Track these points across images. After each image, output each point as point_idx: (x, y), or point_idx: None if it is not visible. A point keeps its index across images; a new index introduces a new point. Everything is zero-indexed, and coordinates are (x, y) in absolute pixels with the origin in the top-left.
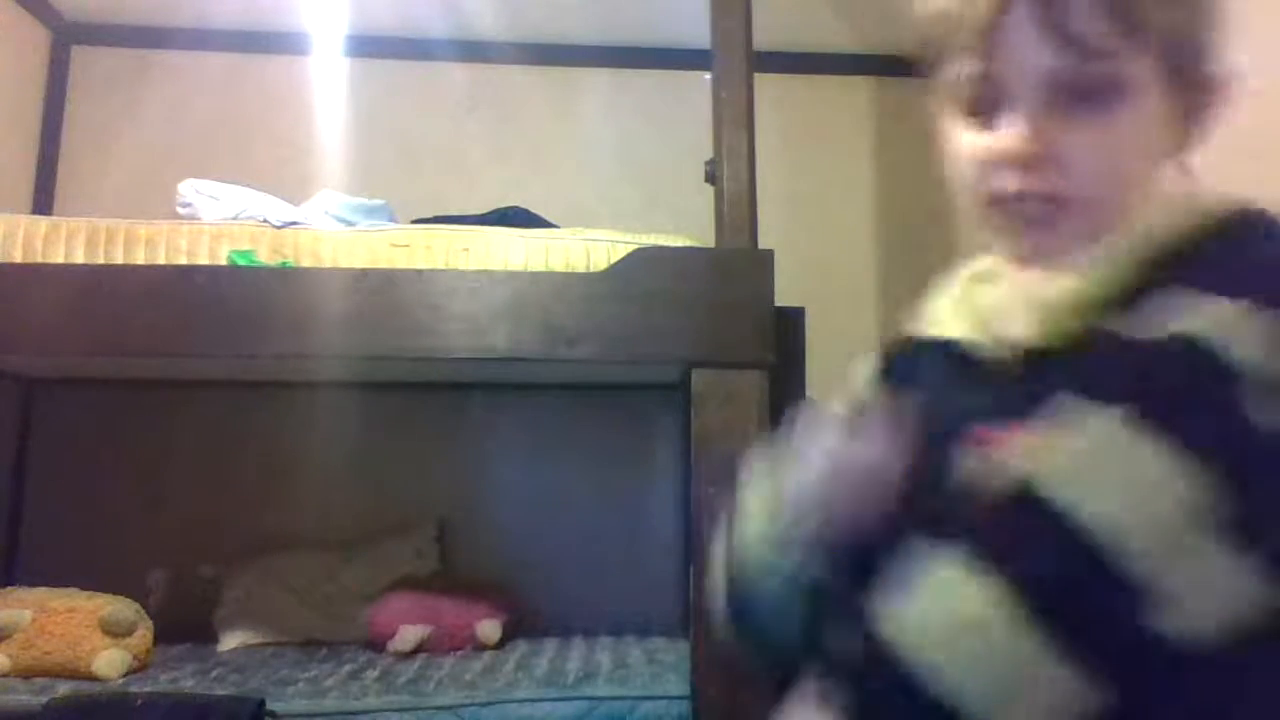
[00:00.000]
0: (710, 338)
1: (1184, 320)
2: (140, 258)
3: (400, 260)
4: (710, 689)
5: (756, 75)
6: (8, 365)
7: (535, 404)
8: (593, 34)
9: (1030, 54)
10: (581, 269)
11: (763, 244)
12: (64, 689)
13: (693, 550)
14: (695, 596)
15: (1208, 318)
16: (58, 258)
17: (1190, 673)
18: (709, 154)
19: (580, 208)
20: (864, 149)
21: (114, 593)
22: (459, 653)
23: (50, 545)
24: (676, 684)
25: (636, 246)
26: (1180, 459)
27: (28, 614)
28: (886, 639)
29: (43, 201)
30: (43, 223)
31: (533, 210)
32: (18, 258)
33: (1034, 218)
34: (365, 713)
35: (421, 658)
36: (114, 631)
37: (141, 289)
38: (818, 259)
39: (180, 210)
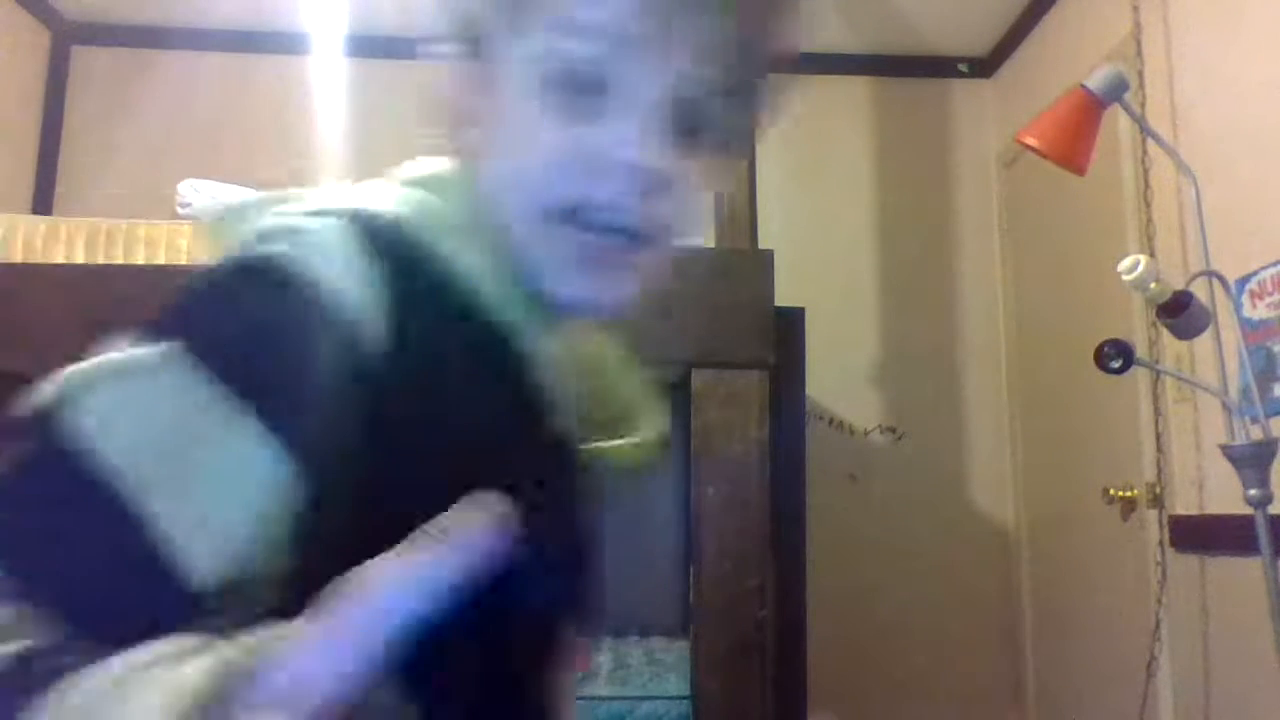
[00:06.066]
0: (710, 338)
1: None
2: (140, 258)
3: None
4: (710, 689)
5: None
6: (8, 365)
7: None
8: None
9: (681, 59)
10: None
11: (763, 244)
12: None
13: (693, 550)
14: (695, 596)
15: None
16: (58, 258)
17: None
18: None
19: None
20: (864, 149)
21: None
22: None
23: None
24: (676, 684)
25: None
26: None
27: None
28: None
29: (43, 201)
30: (42, 223)
31: None
32: (18, 258)
33: (615, 248)
34: None
35: None
36: None
37: (141, 289)
38: (818, 259)
39: (180, 210)
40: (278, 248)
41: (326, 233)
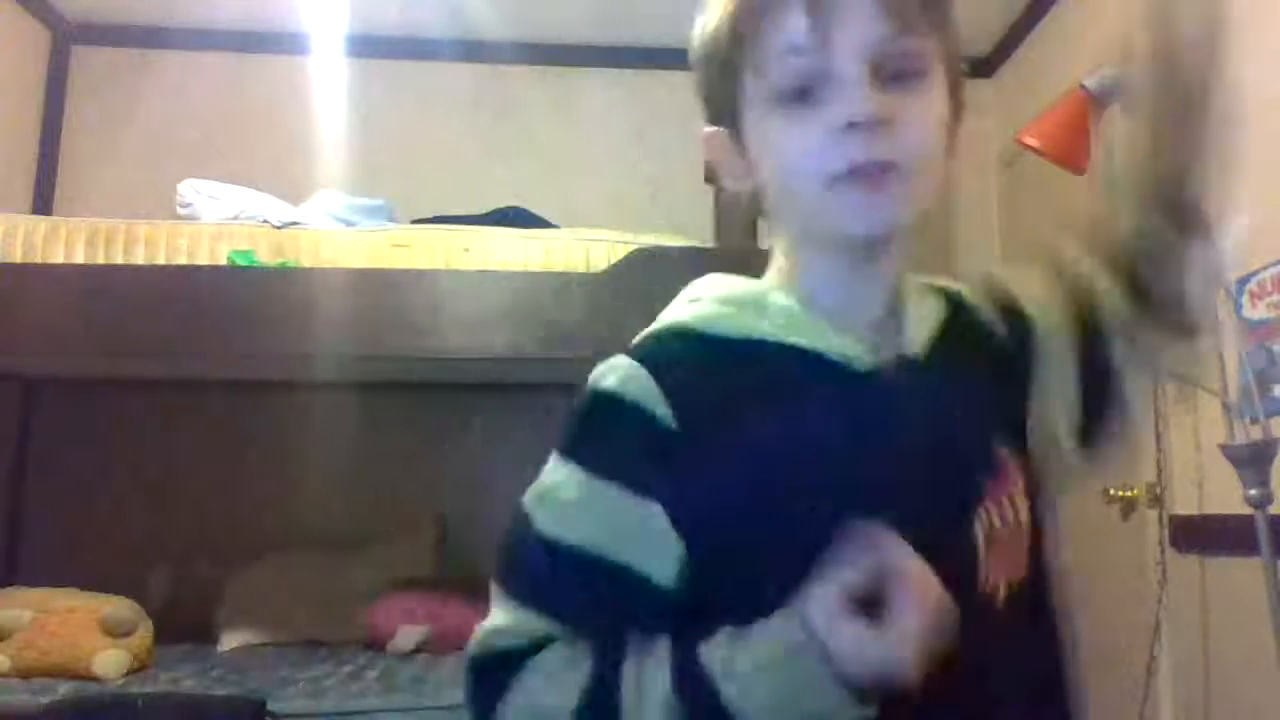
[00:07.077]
0: None
1: None
2: (140, 258)
3: (400, 260)
4: None
5: None
6: (8, 365)
7: (535, 404)
8: (593, 34)
9: (860, 26)
10: (581, 269)
11: (763, 244)
12: (64, 689)
13: None
14: None
15: None
16: (58, 258)
17: None
18: None
19: (580, 208)
20: None
21: (114, 593)
22: (459, 653)
23: (50, 545)
24: None
25: (636, 247)
26: None
27: (28, 614)
28: None
29: (43, 201)
30: (43, 223)
31: (533, 210)
32: (18, 258)
33: (875, 186)
34: (365, 713)
35: (421, 658)
36: (114, 631)
37: (141, 289)
38: None
39: (180, 210)
40: (595, 383)
41: (620, 362)
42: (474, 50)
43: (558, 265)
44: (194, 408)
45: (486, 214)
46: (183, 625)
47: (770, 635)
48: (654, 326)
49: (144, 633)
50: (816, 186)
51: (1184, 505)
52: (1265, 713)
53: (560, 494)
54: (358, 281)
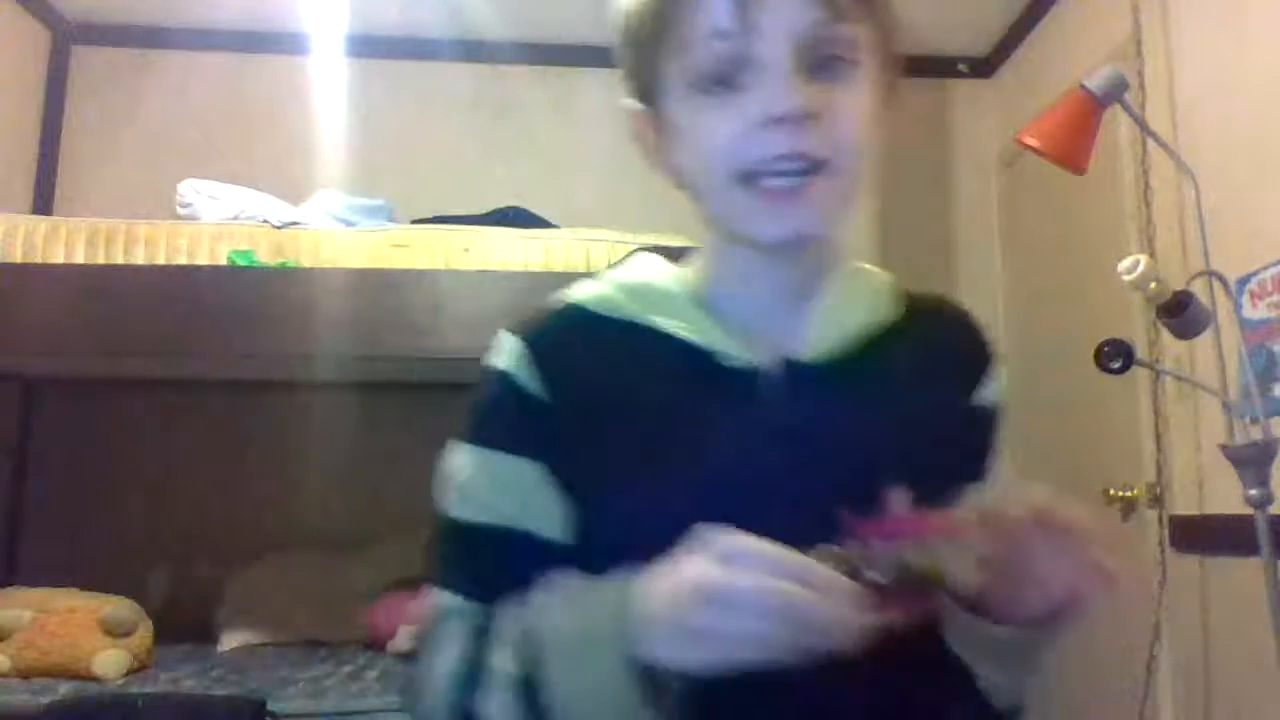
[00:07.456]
0: None
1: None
2: (140, 258)
3: (400, 260)
4: None
5: None
6: (8, 365)
7: None
8: (593, 34)
9: (788, 10)
10: (581, 269)
11: None
12: (64, 689)
13: None
14: None
15: None
16: (58, 258)
17: None
18: None
19: (580, 208)
20: None
21: (114, 593)
22: None
23: (50, 545)
24: None
25: (636, 247)
26: None
27: (28, 614)
28: None
29: (43, 201)
30: (43, 223)
31: (533, 210)
32: (18, 258)
33: (792, 187)
34: (365, 713)
35: None
36: (114, 631)
37: (141, 289)
38: None
39: (180, 210)
40: (489, 360)
41: (503, 338)
42: (474, 50)
43: (558, 265)
44: (194, 408)
45: (486, 214)
46: (183, 625)
47: (596, 602)
48: (556, 299)
49: (144, 633)
50: (730, 181)
51: (1184, 505)
52: (1265, 713)
53: (455, 475)
54: (358, 281)
